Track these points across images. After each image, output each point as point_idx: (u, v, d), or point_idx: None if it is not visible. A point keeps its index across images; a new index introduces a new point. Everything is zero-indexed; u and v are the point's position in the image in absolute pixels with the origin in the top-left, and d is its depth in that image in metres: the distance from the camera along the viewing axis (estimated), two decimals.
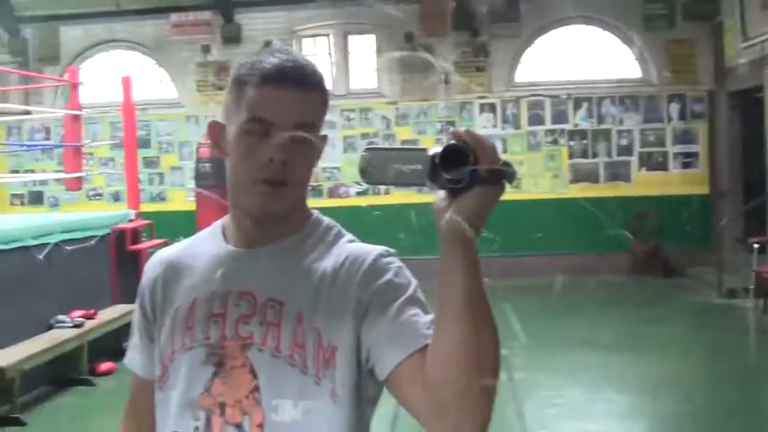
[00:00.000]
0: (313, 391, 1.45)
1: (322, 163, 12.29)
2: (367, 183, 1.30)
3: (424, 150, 1.24)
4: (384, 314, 1.41)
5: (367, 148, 1.28)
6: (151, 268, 1.67)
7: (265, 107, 1.43)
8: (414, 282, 1.48)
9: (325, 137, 1.56)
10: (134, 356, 1.71)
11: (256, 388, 1.46)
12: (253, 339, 1.48)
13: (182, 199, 12.52)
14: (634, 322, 9.21)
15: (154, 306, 1.63)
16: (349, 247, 1.54)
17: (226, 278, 1.54)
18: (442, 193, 1.27)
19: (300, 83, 1.44)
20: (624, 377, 7.12)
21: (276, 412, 1.45)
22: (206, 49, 13.03)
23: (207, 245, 1.62)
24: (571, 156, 12.43)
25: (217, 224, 1.64)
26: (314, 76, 1.47)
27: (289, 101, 1.43)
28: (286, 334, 1.47)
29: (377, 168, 1.26)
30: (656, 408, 6.41)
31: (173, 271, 1.63)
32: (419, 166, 1.24)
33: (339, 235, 1.59)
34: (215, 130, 1.54)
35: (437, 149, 1.22)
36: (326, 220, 1.61)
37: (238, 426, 1.47)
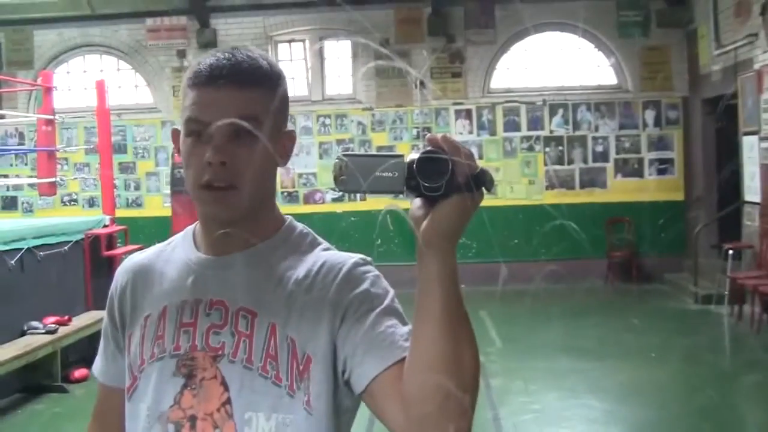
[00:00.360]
0: (287, 403, 1.41)
1: (297, 169, 12.29)
2: (342, 191, 1.25)
3: (401, 156, 1.21)
4: (360, 325, 1.37)
5: (342, 154, 1.24)
6: (122, 274, 1.63)
7: (198, 108, 1.39)
8: (391, 291, 1.45)
9: (287, 134, 1.51)
10: (99, 363, 1.67)
11: (228, 401, 1.42)
12: (224, 350, 1.44)
13: (158, 204, 12.43)
14: (610, 329, 9.23)
15: (123, 313, 1.59)
16: (325, 255, 1.50)
17: (197, 286, 1.50)
18: (419, 201, 1.24)
19: (233, 80, 1.39)
20: (601, 383, 7.12)
21: (249, 426, 1.41)
22: (182, 54, 12.96)
23: (178, 251, 1.58)
24: (546, 162, 12.47)
25: (189, 230, 1.60)
26: (252, 71, 1.41)
27: (221, 100, 1.38)
28: (258, 344, 1.43)
29: (352, 176, 1.22)
30: (633, 414, 6.44)
31: (143, 278, 1.59)
32: (396, 174, 1.20)
33: (314, 243, 1.54)
34: (176, 138, 1.49)
35: (414, 156, 1.19)
36: (300, 226, 1.57)
37: None
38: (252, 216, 1.46)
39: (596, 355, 7.99)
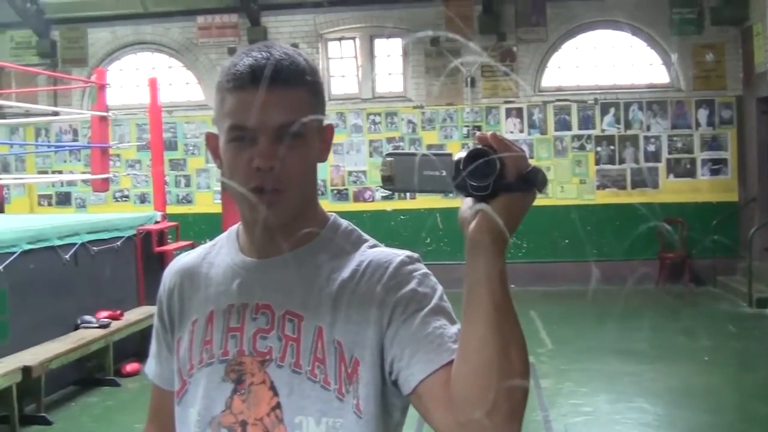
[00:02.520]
0: (336, 407, 1.39)
1: (347, 167, 12.31)
2: (390, 190, 1.23)
3: (449, 155, 1.18)
4: (407, 326, 1.34)
5: (389, 153, 1.21)
6: (169, 277, 1.62)
7: (242, 113, 1.34)
8: (439, 289, 1.41)
9: (327, 129, 1.48)
10: (153, 365, 1.68)
11: (278, 406, 1.41)
12: (271, 354, 1.42)
13: (208, 201, 12.53)
14: (663, 331, 9.10)
15: (171, 316, 1.59)
16: (370, 253, 1.46)
17: (243, 290, 1.48)
18: (468, 201, 1.21)
19: (276, 82, 1.34)
20: (653, 386, 7.01)
21: (300, 430, 1.40)
22: (232, 52, 12.98)
23: (223, 254, 1.56)
24: (598, 162, 12.33)
25: (232, 231, 1.58)
26: (294, 71, 1.37)
27: (265, 104, 1.33)
28: (306, 348, 1.41)
29: (401, 175, 1.20)
30: (685, 419, 6.32)
31: (190, 281, 1.58)
32: (443, 172, 1.18)
33: (359, 240, 1.51)
34: (212, 142, 1.47)
35: (462, 154, 1.16)
36: (344, 223, 1.54)
37: None
38: (298, 217, 1.43)
39: (648, 358, 7.88)
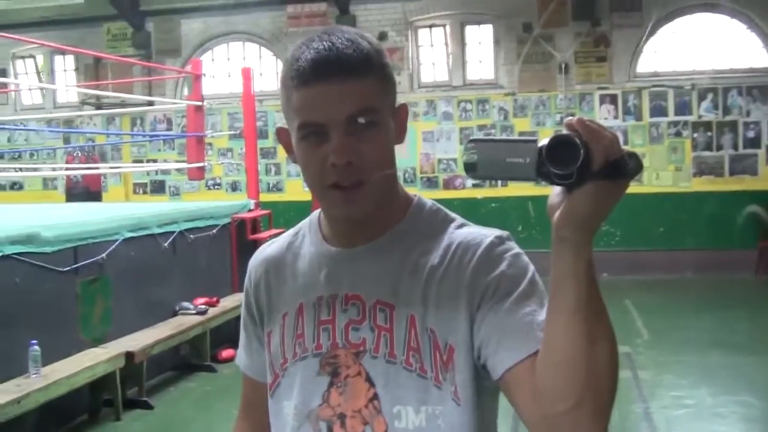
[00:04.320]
0: (435, 395, 1.37)
1: (437, 155, 12.26)
2: (472, 177, 1.20)
3: (534, 141, 1.13)
4: (497, 311, 1.31)
5: (471, 140, 1.17)
6: (254, 268, 1.61)
7: (310, 110, 1.32)
8: (530, 270, 1.37)
9: (400, 109, 1.43)
10: (244, 357, 1.67)
11: (375, 396, 1.39)
12: (365, 346, 1.41)
13: (298, 189, 12.61)
14: (762, 323, 8.84)
15: (260, 309, 1.58)
16: (459, 234, 1.43)
17: (331, 281, 1.46)
18: (557, 189, 1.16)
19: (340, 73, 1.30)
20: (756, 380, 6.78)
21: (399, 420, 1.38)
22: None
23: (307, 243, 1.54)
24: (694, 148, 11.98)
25: (314, 219, 1.55)
26: (357, 58, 1.32)
27: (333, 96, 1.30)
28: (399, 338, 1.39)
29: (484, 162, 1.15)
30: None
31: (276, 273, 1.56)
32: (527, 159, 1.12)
33: (446, 220, 1.47)
34: (283, 138, 1.45)
35: (545, 141, 1.10)
36: (428, 203, 1.50)
37: None
38: (380, 205, 1.40)
39: (749, 351, 7.65)
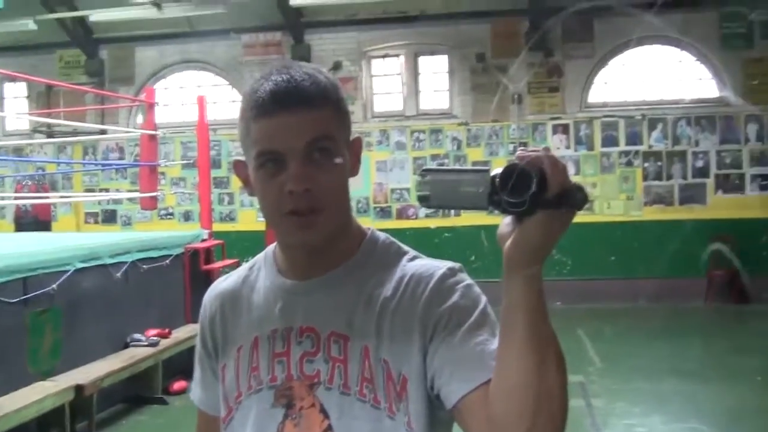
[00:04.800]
0: (388, 425, 1.38)
1: (390, 184, 12.28)
2: (427, 207, 1.21)
3: (486, 171, 1.16)
4: (449, 341, 1.33)
5: (424, 170, 1.19)
6: (209, 302, 1.62)
7: (270, 139, 1.35)
8: (482, 301, 1.39)
9: (355, 142, 1.47)
10: (198, 392, 1.67)
11: (330, 428, 1.41)
12: (319, 377, 1.42)
13: (252, 219, 12.57)
14: (715, 350, 8.95)
15: (215, 343, 1.59)
16: (411, 266, 1.45)
17: (285, 314, 1.48)
18: (508, 218, 1.19)
19: (298, 103, 1.35)
20: (707, 407, 6.87)
21: None
22: None
23: (262, 277, 1.56)
24: (645, 178, 12.16)
25: (269, 253, 1.57)
26: (315, 91, 1.37)
27: (292, 125, 1.34)
28: (353, 369, 1.40)
29: (437, 191, 1.18)
30: None
31: (231, 307, 1.58)
32: (480, 189, 1.15)
33: (399, 254, 1.50)
34: (241, 171, 1.47)
35: (498, 170, 1.13)
36: (382, 237, 1.53)
37: None
38: (335, 235, 1.43)
39: (700, 378, 7.73)
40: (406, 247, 1.52)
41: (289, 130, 1.34)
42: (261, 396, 1.47)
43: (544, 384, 1.19)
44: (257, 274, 1.57)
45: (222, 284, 1.63)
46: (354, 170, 1.46)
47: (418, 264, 1.46)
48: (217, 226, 10.79)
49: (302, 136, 1.34)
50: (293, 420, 1.43)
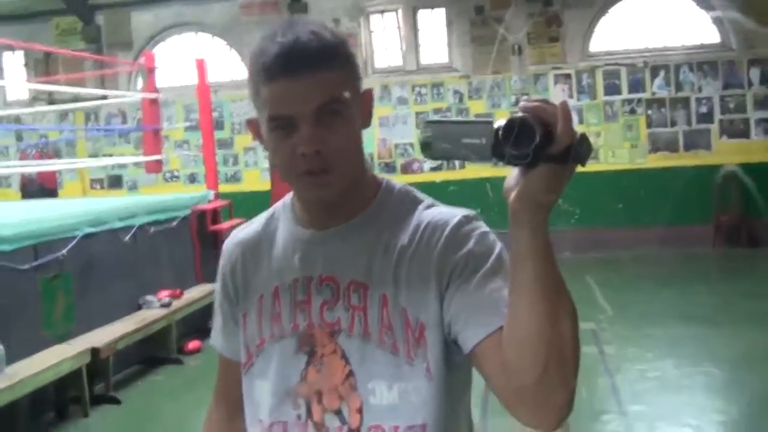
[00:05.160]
0: (407, 371, 1.41)
1: (394, 140, 12.25)
2: (429, 158, 1.21)
3: (489, 123, 1.15)
4: (465, 288, 1.36)
5: (427, 121, 1.19)
6: (229, 251, 1.65)
7: (279, 103, 1.37)
8: (497, 247, 1.41)
9: (365, 95, 1.48)
10: (221, 340, 1.69)
11: (351, 374, 1.44)
12: (340, 325, 1.45)
13: (256, 179, 12.55)
14: (723, 295, 8.94)
15: (236, 290, 1.61)
16: (427, 214, 1.47)
17: (305, 263, 1.51)
18: (515, 171, 1.19)
19: (307, 66, 1.35)
20: (720, 351, 6.87)
21: (374, 396, 1.43)
22: None
23: (281, 227, 1.58)
24: (649, 125, 12.11)
25: (287, 202, 1.59)
26: (322, 51, 1.37)
27: (300, 90, 1.36)
28: (373, 316, 1.43)
29: (439, 142, 1.18)
30: (758, 383, 6.18)
31: (251, 255, 1.60)
32: (483, 140, 1.14)
33: (415, 201, 1.51)
34: (254, 128, 1.50)
35: (502, 122, 1.13)
36: (397, 185, 1.55)
37: (338, 412, 1.45)
38: (349, 189, 1.45)
39: (712, 322, 7.73)
40: (422, 195, 1.54)
41: (298, 95, 1.36)
42: (283, 343, 1.50)
43: (555, 331, 1.21)
44: (276, 223, 1.59)
45: (242, 233, 1.65)
46: (366, 122, 1.48)
47: (434, 212, 1.48)
48: (223, 187, 10.78)
49: (311, 100, 1.36)
50: (315, 366, 1.46)
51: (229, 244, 1.65)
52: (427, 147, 1.19)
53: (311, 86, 1.35)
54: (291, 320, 1.49)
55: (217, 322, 1.69)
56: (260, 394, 1.53)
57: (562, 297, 1.23)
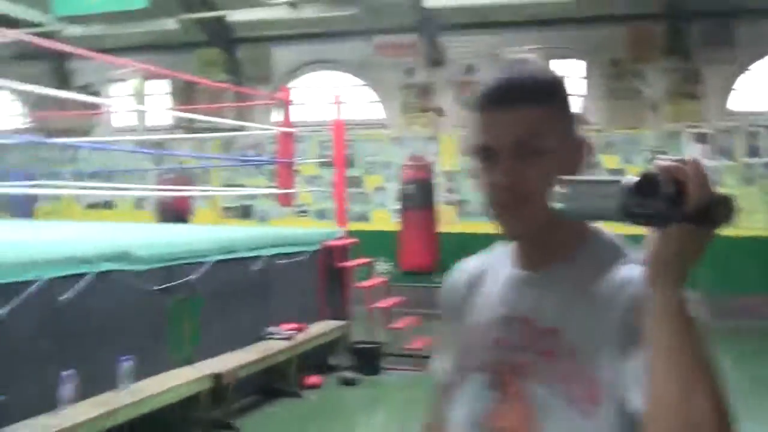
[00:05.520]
0: (585, 426, 1.36)
1: None
2: (559, 218, 1.17)
3: (618, 181, 1.09)
4: (639, 353, 1.28)
5: (557, 180, 1.16)
6: (456, 278, 1.69)
7: (483, 133, 1.41)
8: None
9: (580, 143, 1.45)
10: (446, 363, 1.70)
11: (533, 418, 1.42)
12: (529, 368, 1.44)
13: (385, 219, 12.63)
14: None
15: (456, 315, 1.65)
16: (624, 270, 1.42)
17: (508, 302, 1.52)
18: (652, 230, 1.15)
19: (512, 101, 1.39)
20: None
21: None
22: (410, 72, 13.17)
23: (501, 264, 1.60)
24: None
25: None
26: (530, 88, 1.40)
27: (503, 122, 1.39)
28: (561, 365, 1.41)
29: (569, 201, 1.14)
30: None
31: (473, 287, 1.64)
32: (613, 200, 1.09)
33: (617, 254, 1.47)
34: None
35: (632, 179, 1.07)
36: (605, 234, 1.51)
37: None
38: (550, 230, 1.44)
39: None
40: (625, 248, 1.50)
41: (499, 127, 1.39)
42: (479, 375, 1.52)
43: (687, 408, 1.13)
44: (498, 260, 1.63)
45: (470, 263, 1.70)
46: (573, 168, 1.44)
47: (630, 270, 1.43)
48: (351, 225, 10.90)
49: (510, 133, 1.38)
50: (501, 404, 1.47)
51: (455, 275, 1.71)
52: (557, 206, 1.16)
53: (513, 119, 1.38)
54: (488, 355, 1.52)
55: (441, 351, 1.72)
56: (456, 422, 1.55)
57: (698, 366, 1.14)
